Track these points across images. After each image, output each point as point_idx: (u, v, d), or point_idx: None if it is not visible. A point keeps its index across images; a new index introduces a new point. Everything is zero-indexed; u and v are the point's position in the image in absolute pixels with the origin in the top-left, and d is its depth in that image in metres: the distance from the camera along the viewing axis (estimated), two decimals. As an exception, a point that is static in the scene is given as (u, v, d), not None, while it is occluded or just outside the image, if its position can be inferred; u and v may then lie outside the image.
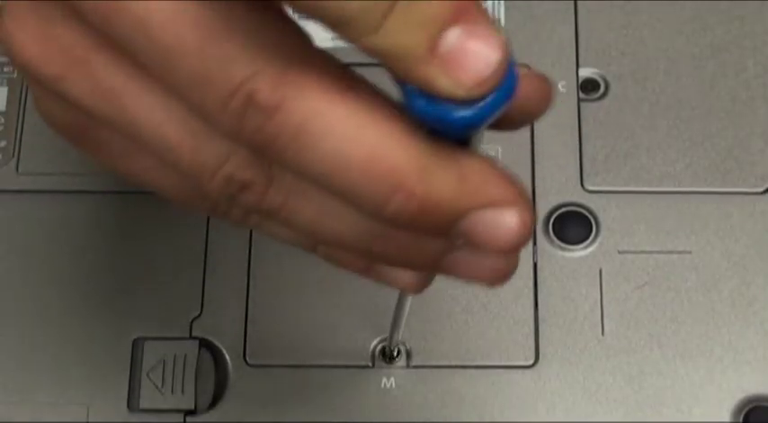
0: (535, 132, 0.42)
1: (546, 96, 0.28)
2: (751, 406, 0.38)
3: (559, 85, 0.42)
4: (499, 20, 0.44)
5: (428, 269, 0.29)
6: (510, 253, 0.27)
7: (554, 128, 0.42)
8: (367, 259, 0.29)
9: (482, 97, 0.24)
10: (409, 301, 0.35)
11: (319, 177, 0.25)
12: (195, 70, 0.25)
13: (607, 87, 0.43)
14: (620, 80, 0.43)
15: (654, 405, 0.38)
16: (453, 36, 0.24)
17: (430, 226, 0.26)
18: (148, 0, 0.25)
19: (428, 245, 0.27)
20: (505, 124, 0.27)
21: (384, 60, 0.24)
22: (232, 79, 0.25)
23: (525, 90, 0.27)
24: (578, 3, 0.44)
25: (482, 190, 0.26)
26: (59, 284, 0.40)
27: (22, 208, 0.41)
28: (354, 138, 0.24)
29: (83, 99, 0.28)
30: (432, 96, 0.24)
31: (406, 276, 0.30)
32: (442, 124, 0.25)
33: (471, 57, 0.24)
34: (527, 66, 0.28)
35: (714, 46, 0.43)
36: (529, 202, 0.27)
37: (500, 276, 0.28)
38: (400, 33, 0.23)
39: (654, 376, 0.39)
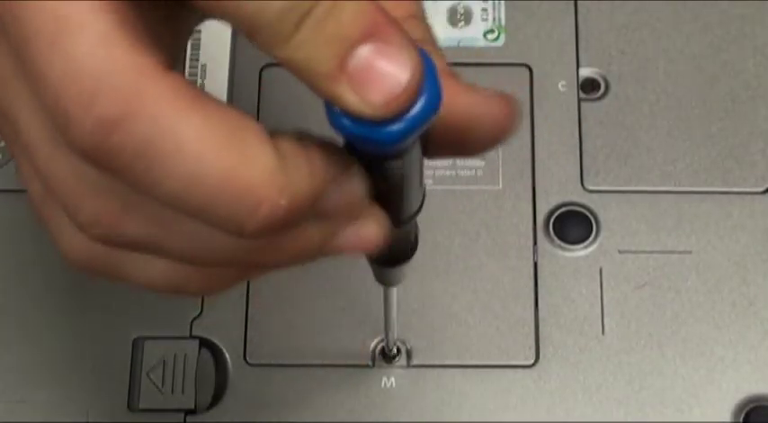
0: (535, 132, 0.42)
1: (505, 118, 0.27)
2: (751, 406, 0.38)
3: (560, 85, 0.42)
4: (500, 19, 0.44)
5: (318, 257, 0.28)
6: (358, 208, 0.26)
7: (554, 128, 0.42)
8: (255, 270, 0.28)
9: (394, 117, 0.24)
10: (395, 299, 0.35)
11: (172, 200, 0.24)
12: (42, 68, 0.24)
13: (607, 87, 0.43)
14: (620, 80, 0.43)
15: (654, 405, 0.38)
16: (363, 54, 0.24)
17: (294, 223, 0.25)
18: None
19: (306, 241, 0.27)
20: (464, 149, 0.27)
21: (295, 72, 0.24)
22: (73, 86, 0.24)
23: (477, 113, 0.27)
24: (578, 3, 0.44)
25: (329, 171, 0.25)
26: (60, 284, 0.40)
27: (22, 208, 0.41)
28: (207, 156, 0.24)
29: None
30: (351, 115, 0.24)
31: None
32: (358, 141, 0.24)
33: (380, 76, 0.24)
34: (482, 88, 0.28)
35: (714, 46, 0.43)
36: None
37: (380, 239, 0.27)
38: (310, 47, 0.23)
39: (654, 376, 0.39)
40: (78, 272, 0.29)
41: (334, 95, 0.24)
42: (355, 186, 0.26)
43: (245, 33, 0.24)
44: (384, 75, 0.24)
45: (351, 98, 0.24)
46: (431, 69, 0.24)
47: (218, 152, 0.24)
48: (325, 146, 0.26)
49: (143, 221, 0.26)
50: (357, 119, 0.24)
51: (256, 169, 0.24)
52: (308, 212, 0.25)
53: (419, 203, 0.29)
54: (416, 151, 0.26)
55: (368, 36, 0.24)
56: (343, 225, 0.26)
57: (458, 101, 0.26)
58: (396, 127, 0.24)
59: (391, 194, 0.27)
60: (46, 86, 0.24)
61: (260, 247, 0.26)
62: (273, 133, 0.25)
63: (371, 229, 0.27)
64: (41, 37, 0.24)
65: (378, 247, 0.27)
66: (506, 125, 0.27)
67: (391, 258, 0.31)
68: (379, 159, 0.26)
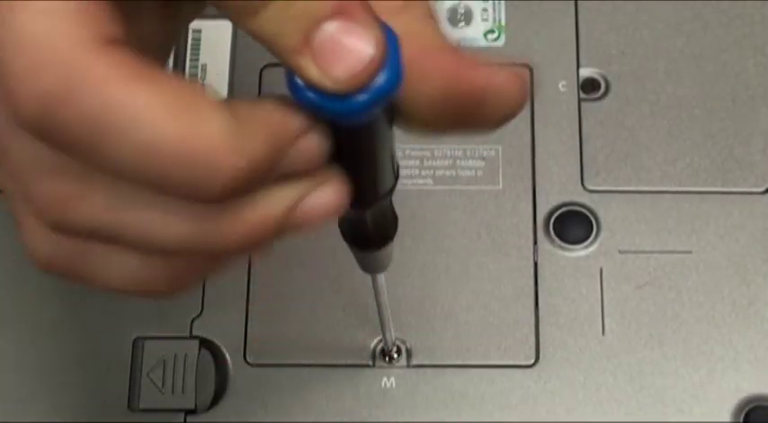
0: (536, 132, 0.42)
1: (519, 90, 0.28)
2: (751, 406, 0.38)
3: (560, 85, 0.42)
4: (500, 19, 0.44)
5: (281, 232, 0.27)
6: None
7: (554, 128, 0.42)
8: (219, 258, 0.28)
9: (356, 91, 0.24)
10: (385, 293, 0.35)
11: (129, 172, 0.24)
12: None
13: (608, 87, 0.43)
14: (620, 80, 0.43)
15: (654, 405, 0.38)
16: (328, 30, 0.24)
17: (256, 185, 0.25)
18: None
19: (267, 210, 0.26)
20: (480, 124, 0.27)
21: (262, 43, 0.25)
22: (16, 60, 0.24)
23: (488, 84, 0.27)
24: (578, 3, 0.44)
25: (288, 130, 0.26)
26: (59, 285, 0.40)
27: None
28: (159, 123, 0.24)
29: None
30: (314, 88, 0.25)
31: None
32: (319, 113, 0.25)
33: (343, 51, 0.24)
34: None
35: (714, 46, 0.43)
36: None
37: (340, 203, 0.27)
38: (277, 21, 0.24)
39: (654, 376, 0.39)
40: (44, 272, 0.28)
41: (297, 68, 0.24)
42: (314, 143, 0.26)
43: (214, 5, 0.24)
44: (347, 50, 0.24)
45: (314, 72, 0.24)
46: (394, 46, 0.25)
47: (171, 119, 0.24)
48: (283, 106, 0.26)
49: (98, 206, 0.26)
50: (320, 92, 0.24)
51: (210, 132, 0.24)
52: (268, 174, 0.25)
53: (392, 181, 0.29)
54: (383, 127, 0.26)
55: (335, 13, 0.24)
56: (303, 190, 0.26)
57: (465, 73, 0.27)
58: (356, 99, 0.24)
59: (361, 169, 0.27)
60: None
61: (220, 225, 0.26)
62: (228, 99, 0.25)
63: (330, 192, 0.27)
64: None
65: (338, 212, 0.27)
66: (519, 96, 0.28)
67: (370, 241, 0.31)
68: (346, 133, 0.26)
